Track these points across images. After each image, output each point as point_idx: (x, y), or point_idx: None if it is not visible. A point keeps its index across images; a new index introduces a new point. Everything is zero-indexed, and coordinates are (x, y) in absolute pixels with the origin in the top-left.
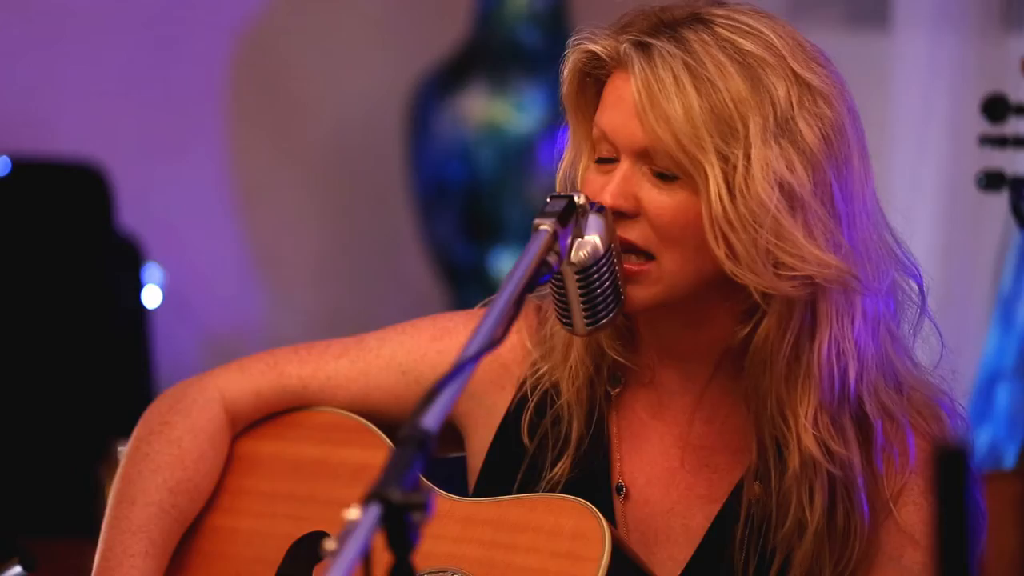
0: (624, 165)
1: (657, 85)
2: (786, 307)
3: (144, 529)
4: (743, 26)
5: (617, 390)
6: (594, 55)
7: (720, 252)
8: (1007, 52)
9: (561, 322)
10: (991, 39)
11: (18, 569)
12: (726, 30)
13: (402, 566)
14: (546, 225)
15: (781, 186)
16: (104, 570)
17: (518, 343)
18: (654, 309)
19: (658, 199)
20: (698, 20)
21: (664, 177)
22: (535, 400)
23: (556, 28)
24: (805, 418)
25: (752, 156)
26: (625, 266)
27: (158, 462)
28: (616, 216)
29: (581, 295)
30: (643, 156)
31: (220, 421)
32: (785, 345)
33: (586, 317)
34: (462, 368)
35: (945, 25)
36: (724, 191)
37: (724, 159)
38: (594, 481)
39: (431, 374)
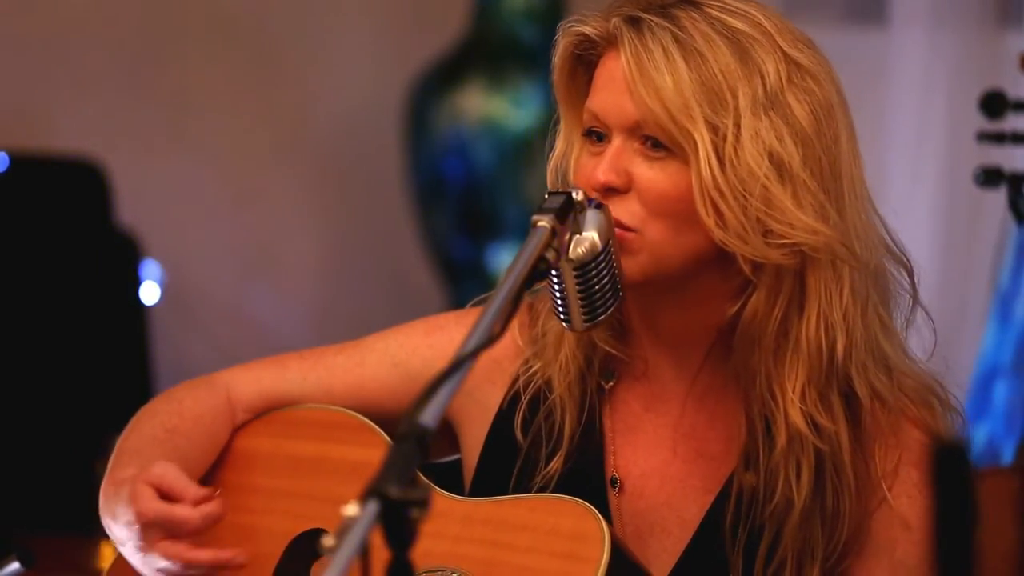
0: (616, 142)
1: (647, 56)
2: (775, 280)
3: (138, 454)
4: (731, 7)
5: (610, 384)
6: (585, 37)
7: (710, 221)
8: (1005, 48)
9: (559, 318)
10: (989, 35)
11: (16, 566)
12: (715, 10)
13: (400, 562)
14: (544, 221)
15: (771, 156)
16: (106, 503)
17: (510, 340)
18: (645, 284)
19: (649, 173)
20: (688, 2)
21: (655, 150)
22: (528, 397)
23: (554, 24)
24: (793, 392)
25: (742, 126)
26: None
27: (156, 411)
28: (606, 192)
29: (579, 291)
30: (634, 131)
31: (223, 405)
32: (774, 319)
33: (584, 313)
34: (460, 364)
35: (943, 21)
36: (714, 160)
37: (714, 129)
38: (588, 475)
39: (423, 368)
